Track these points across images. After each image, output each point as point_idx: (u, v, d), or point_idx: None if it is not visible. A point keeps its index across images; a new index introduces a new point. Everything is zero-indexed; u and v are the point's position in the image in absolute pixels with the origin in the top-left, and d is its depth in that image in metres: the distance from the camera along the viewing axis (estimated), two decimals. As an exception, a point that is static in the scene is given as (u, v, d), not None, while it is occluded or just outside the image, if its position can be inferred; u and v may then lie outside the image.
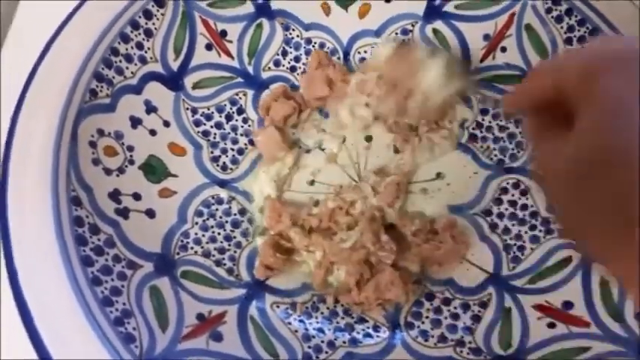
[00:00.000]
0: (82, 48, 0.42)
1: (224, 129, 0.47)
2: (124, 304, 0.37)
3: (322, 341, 0.41)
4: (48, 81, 0.40)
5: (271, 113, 0.47)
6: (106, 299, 0.36)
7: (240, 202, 0.46)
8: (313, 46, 0.50)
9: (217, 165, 0.46)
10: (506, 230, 0.45)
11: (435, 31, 0.50)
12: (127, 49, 0.43)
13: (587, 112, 0.26)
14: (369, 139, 0.49)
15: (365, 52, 0.50)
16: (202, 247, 0.43)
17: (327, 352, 0.41)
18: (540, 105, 0.32)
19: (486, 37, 0.49)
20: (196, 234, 0.43)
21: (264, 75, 0.49)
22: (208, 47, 0.47)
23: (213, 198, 0.45)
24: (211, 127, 0.47)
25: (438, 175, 0.48)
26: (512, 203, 0.45)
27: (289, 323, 0.42)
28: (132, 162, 0.42)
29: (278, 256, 0.42)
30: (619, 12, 0.43)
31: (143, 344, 0.36)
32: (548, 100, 0.30)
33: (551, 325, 0.40)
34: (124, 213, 0.40)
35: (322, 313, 0.42)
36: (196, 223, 0.44)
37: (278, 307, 0.42)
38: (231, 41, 0.48)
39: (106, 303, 0.36)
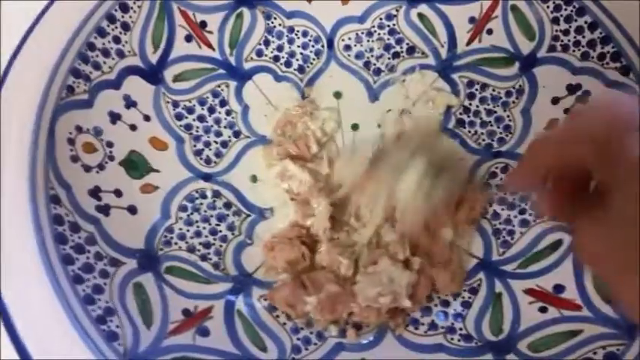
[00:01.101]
0: (58, 43, 0.41)
1: (207, 122, 0.47)
2: (106, 302, 0.36)
3: (311, 332, 0.41)
4: (23, 78, 0.39)
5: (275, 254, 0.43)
6: (88, 297, 0.36)
7: (225, 195, 0.45)
8: (296, 35, 0.49)
9: (201, 158, 0.46)
10: (496, 215, 0.44)
11: (421, 15, 0.49)
12: (103, 44, 0.43)
13: (623, 182, 0.24)
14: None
15: (349, 39, 0.50)
16: (187, 243, 0.42)
17: (316, 344, 0.40)
18: (553, 177, 0.30)
19: (472, 19, 0.48)
20: (180, 229, 0.43)
21: (247, 65, 0.48)
22: (188, 39, 0.46)
23: (197, 192, 0.44)
24: (193, 120, 0.46)
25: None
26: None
27: (277, 316, 0.41)
28: (112, 158, 0.42)
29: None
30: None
31: (127, 342, 0.36)
32: (561, 172, 0.29)
33: (543, 310, 0.40)
34: (105, 210, 0.40)
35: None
36: (180, 218, 0.43)
37: (265, 300, 0.42)
38: (211, 32, 0.47)
39: (88, 301, 0.36)
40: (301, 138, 0.47)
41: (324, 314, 0.40)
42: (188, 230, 0.43)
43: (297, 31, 0.49)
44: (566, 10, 0.44)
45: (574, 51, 0.44)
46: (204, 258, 0.42)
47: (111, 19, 0.43)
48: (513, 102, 0.46)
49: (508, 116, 0.46)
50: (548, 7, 0.45)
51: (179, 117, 0.46)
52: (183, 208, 0.43)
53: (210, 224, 0.44)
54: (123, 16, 0.44)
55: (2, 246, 0.34)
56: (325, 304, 0.40)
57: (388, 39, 0.49)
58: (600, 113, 0.26)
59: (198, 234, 0.43)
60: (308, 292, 0.40)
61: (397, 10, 0.49)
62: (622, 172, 0.24)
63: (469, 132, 0.47)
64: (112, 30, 0.43)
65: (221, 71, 0.48)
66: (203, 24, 0.47)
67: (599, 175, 0.26)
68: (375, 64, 0.49)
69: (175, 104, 0.46)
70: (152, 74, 0.45)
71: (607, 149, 0.25)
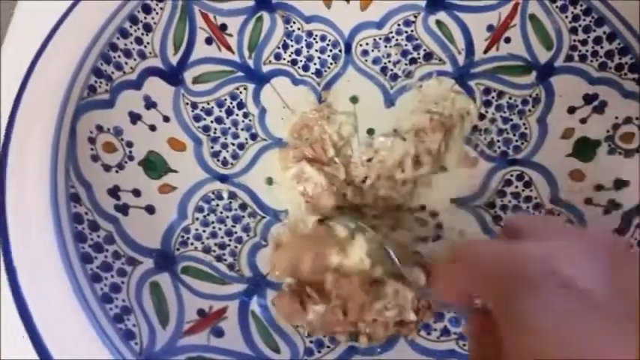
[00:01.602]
0: (81, 44, 0.41)
1: (224, 124, 0.47)
2: (123, 300, 0.37)
3: (324, 335, 0.41)
4: (46, 77, 0.40)
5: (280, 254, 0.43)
6: (106, 296, 0.36)
7: (240, 197, 0.46)
8: (314, 39, 0.49)
9: (218, 160, 0.46)
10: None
11: (439, 22, 0.49)
12: (125, 45, 0.43)
13: (509, 335, 0.24)
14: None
15: (367, 44, 0.50)
16: (203, 243, 0.43)
17: (329, 347, 0.41)
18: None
19: (490, 27, 0.48)
20: (197, 230, 0.43)
21: (265, 69, 0.49)
22: (208, 41, 0.47)
23: (213, 193, 0.45)
24: (211, 121, 0.47)
25: (441, 168, 0.47)
26: (516, 195, 0.45)
27: (290, 318, 0.41)
28: (131, 158, 0.42)
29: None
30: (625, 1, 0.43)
31: (143, 341, 0.36)
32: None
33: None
34: (124, 209, 0.40)
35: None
36: (197, 219, 0.44)
37: (279, 301, 0.42)
38: (231, 35, 0.48)
39: (106, 300, 0.36)
40: (317, 141, 0.47)
41: (326, 328, 0.40)
42: (204, 231, 0.43)
43: (316, 36, 0.50)
44: (584, 20, 0.44)
45: (592, 61, 0.44)
46: (219, 259, 0.43)
47: (133, 20, 0.43)
48: (529, 110, 0.46)
49: (524, 124, 0.46)
50: (566, 16, 0.45)
51: (197, 118, 0.46)
52: (199, 209, 0.44)
53: (225, 225, 0.44)
54: (145, 18, 0.44)
55: (23, 243, 0.35)
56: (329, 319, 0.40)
57: (406, 45, 0.49)
58: (505, 264, 0.25)
59: (214, 235, 0.44)
60: (314, 301, 0.40)
61: (415, 17, 0.49)
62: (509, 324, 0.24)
63: (485, 139, 0.47)
64: (135, 31, 0.44)
65: (240, 74, 0.48)
66: (223, 27, 0.47)
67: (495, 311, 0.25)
68: (392, 70, 0.50)
69: (194, 106, 0.46)
70: (172, 75, 0.45)
71: (502, 302, 0.24)
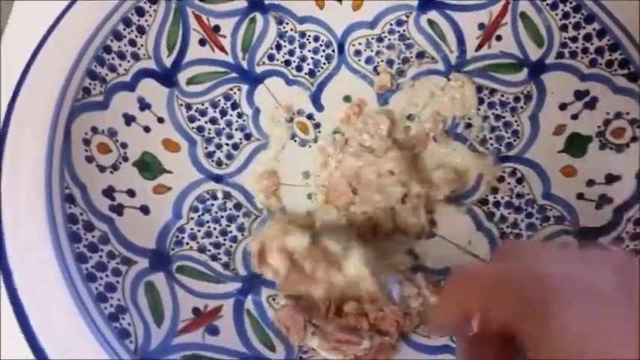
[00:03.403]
0: (75, 46, 0.42)
1: (218, 124, 0.47)
2: (118, 299, 0.37)
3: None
4: (40, 80, 0.40)
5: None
6: (101, 295, 0.36)
7: (235, 196, 0.46)
8: (307, 39, 0.50)
9: (212, 160, 0.46)
10: (503, 219, 0.45)
11: (431, 21, 0.49)
12: (119, 47, 0.43)
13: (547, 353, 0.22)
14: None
15: (360, 44, 0.50)
16: (198, 243, 0.43)
17: (323, 345, 0.41)
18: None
19: (481, 26, 0.48)
20: (192, 229, 0.44)
21: (259, 69, 0.49)
22: (202, 43, 0.47)
23: (208, 193, 0.45)
24: (206, 122, 0.47)
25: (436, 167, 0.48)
26: (509, 192, 0.45)
27: (285, 316, 0.42)
28: (126, 159, 0.42)
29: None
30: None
31: (138, 339, 0.37)
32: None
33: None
34: (119, 210, 0.41)
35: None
36: (192, 219, 0.44)
37: (274, 300, 0.42)
38: (224, 36, 0.48)
39: (101, 299, 0.36)
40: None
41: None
42: (199, 230, 0.44)
43: (309, 36, 0.50)
44: (574, 17, 0.45)
45: (582, 58, 0.45)
46: (214, 258, 0.43)
47: (127, 22, 0.44)
48: (521, 107, 0.47)
49: (516, 121, 0.47)
50: (557, 14, 0.45)
51: (192, 119, 0.46)
52: (194, 209, 0.44)
53: (220, 225, 0.45)
54: (139, 20, 0.44)
55: (19, 244, 0.35)
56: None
57: (398, 44, 0.50)
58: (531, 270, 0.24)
59: (208, 234, 0.44)
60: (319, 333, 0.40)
61: (407, 16, 0.50)
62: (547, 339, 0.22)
63: (477, 136, 0.47)
64: (128, 33, 0.44)
65: (233, 75, 0.48)
66: (217, 28, 0.48)
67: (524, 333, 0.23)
68: (385, 69, 0.50)
69: (188, 107, 0.46)
70: (166, 77, 0.46)
71: (537, 317, 0.22)
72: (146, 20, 0.45)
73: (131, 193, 0.42)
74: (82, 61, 0.42)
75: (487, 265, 0.29)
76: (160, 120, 0.45)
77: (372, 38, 0.50)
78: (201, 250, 0.43)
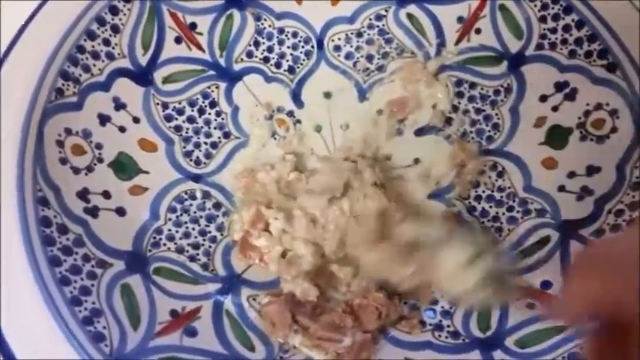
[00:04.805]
0: (47, 46, 0.41)
1: (197, 123, 0.47)
2: (93, 303, 0.37)
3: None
4: (12, 81, 0.39)
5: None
6: (75, 299, 0.36)
7: (214, 196, 0.45)
8: (286, 36, 0.49)
9: (190, 160, 0.46)
10: (484, 212, 0.44)
11: (410, 15, 0.49)
12: (93, 46, 0.43)
13: None
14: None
15: (339, 39, 0.50)
16: (176, 244, 0.43)
17: (304, 344, 0.40)
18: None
19: (460, 19, 0.48)
20: (169, 230, 0.43)
21: (237, 67, 0.48)
22: (178, 40, 0.47)
23: (186, 193, 0.45)
24: (183, 121, 0.46)
25: (416, 161, 0.47)
26: (490, 185, 0.45)
27: (265, 316, 0.41)
28: (101, 160, 0.42)
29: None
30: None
31: (113, 342, 0.36)
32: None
33: (530, 306, 0.40)
34: (93, 212, 0.40)
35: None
36: (169, 220, 0.43)
37: (254, 300, 0.42)
38: (201, 33, 0.48)
39: (75, 302, 0.36)
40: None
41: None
42: (177, 231, 0.43)
43: (287, 32, 0.49)
44: (553, 8, 0.44)
45: (561, 49, 0.44)
46: (192, 259, 0.43)
47: (101, 21, 0.43)
48: (502, 100, 0.46)
49: (497, 114, 0.46)
50: (535, 5, 0.45)
51: (169, 118, 0.46)
52: (172, 210, 0.44)
53: (199, 225, 0.44)
54: (113, 19, 0.44)
55: (-11, 248, 0.35)
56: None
57: (378, 39, 0.49)
58: None
59: (187, 235, 0.43)
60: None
61: (386, 11, 0.49)
62: None
63: (457, 130, 0.47)
64: (102, 32, 0.43)
65: (211, 73, 0.48)
66: (193, 26, 0.47)
67: None
68: (364, 64, 0.49)
69: (165, 106, 0.46)
70: (142, 76, 0.45)
71: None
72: (120, 19, 0.44)
73: (106, 194, 0.41)
74: (55, 61, 0.41)
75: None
76: (136, 120, 0.44)
77: (352, 33, 0.50)
78: (180, 251, 0.43)
